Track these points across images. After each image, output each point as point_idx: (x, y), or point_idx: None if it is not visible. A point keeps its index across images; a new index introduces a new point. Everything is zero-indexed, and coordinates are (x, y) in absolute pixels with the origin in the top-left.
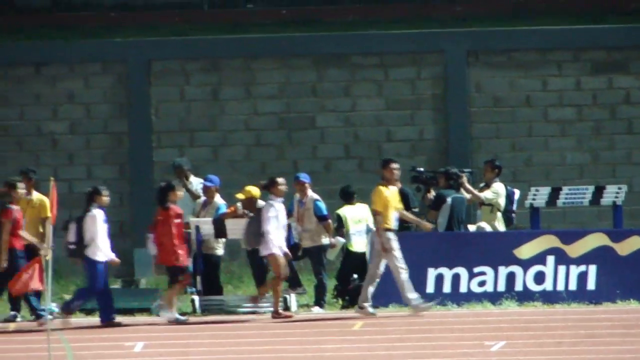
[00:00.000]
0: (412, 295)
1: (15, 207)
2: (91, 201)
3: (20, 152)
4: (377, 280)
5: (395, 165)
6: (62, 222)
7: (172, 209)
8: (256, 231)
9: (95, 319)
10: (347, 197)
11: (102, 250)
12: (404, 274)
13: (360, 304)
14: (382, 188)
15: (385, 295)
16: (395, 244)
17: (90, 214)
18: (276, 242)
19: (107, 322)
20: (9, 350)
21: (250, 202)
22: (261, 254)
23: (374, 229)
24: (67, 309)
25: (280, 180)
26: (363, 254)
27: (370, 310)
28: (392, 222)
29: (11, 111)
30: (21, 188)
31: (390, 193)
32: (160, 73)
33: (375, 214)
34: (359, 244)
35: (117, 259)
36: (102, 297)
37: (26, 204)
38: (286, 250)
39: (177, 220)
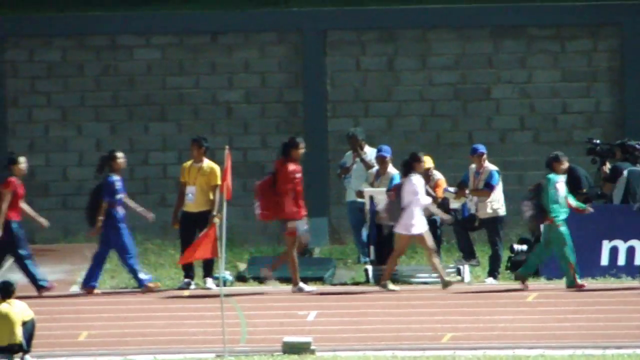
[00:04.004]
0: None
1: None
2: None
3: (196, 121)
4: None
5: None
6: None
7: None
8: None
9: (269, 288)
10: None
11: None
12: None
13: None
14: None
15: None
16: None
17: None
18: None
19: None
20: (183, 317)
21: (425, 172)
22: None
23: None
24: None
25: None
26: None
27: None
28: None
29: (187, 80)
30: None
31: None
32: (335, 43)
33: None
34: None
35: None
36: None
37: (197, 172)
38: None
39: None
